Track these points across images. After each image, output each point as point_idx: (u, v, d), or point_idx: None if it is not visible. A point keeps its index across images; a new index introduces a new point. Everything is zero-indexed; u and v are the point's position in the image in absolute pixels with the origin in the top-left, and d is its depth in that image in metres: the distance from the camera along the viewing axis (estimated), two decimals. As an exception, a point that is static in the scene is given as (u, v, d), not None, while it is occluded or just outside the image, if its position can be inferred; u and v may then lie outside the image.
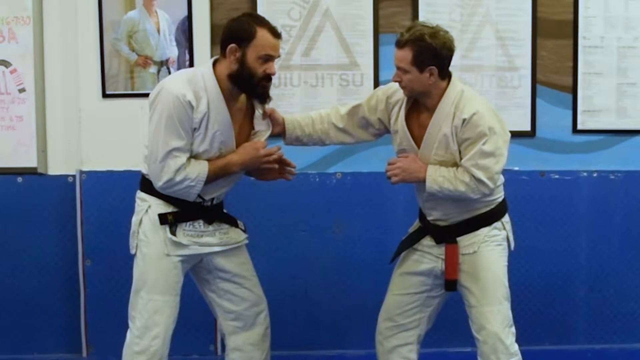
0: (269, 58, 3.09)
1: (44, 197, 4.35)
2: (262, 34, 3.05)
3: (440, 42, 3.07)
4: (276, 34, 3.09)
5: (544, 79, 4.42)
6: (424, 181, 3.16)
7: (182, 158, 3.07)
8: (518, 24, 4.38)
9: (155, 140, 3.06)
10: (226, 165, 3.16)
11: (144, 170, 3.22)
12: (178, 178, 3.07)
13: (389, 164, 3.23)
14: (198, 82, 3.08)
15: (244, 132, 3.25)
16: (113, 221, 4.23)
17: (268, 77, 3.12)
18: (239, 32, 3.07)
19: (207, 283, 3.33)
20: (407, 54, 3.08)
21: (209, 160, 3.14)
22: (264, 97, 3.18)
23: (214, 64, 3.14)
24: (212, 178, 3.14)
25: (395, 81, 3.16)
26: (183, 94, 3.03)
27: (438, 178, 3.14)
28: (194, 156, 3.13)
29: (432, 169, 3.16)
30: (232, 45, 3.05)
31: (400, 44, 3.10)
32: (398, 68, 3.12)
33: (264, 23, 3.08)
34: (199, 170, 3.10)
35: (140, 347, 3.17)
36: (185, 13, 4.27)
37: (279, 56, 3.15)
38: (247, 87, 3.11)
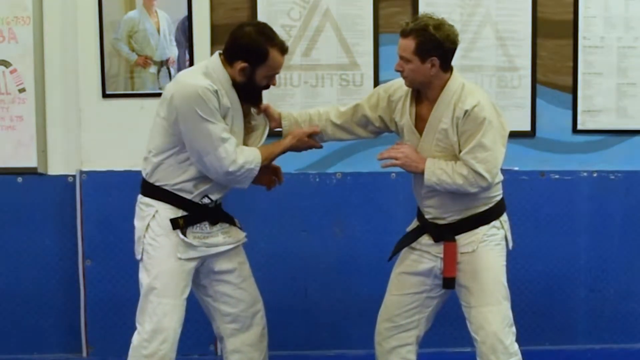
0: (275, 74, 3.18)
1: (44, 197, 4.35)
2: (273, 55, 3.10)
3: (443, 34, 3.08)
4: (284, 51, 3.14)
5: (544, 79, 4.41)
6: (422, 173, 3.17)
7: (233, 139, 3.10)
8: (518, 24, 4.37)
9: (199, 136, 3.05)
10: (275, 146, 3.28)
11: (145, 174, 3.22)
12: (240, 160, 3.10)
13: (393, 148, 3.23)
14: (213, 78, 3.09)
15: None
16: (113, 221, 4.23)
17: (267, 87, 3.21)
18: (252, 52, 3.08)
19: (203, 288, 3.33)
20: (410, 43, 3.09)
21: None
22: (258, 103, 3.27)
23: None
24: (264, 161, 3.20)
25: (397, 70, 3.18)
26: (210, 84, 3.05)
27: (437, 170, 3.14)
28: None
29: (430, 161, 3.17)
30: (244, 64, 3.08)
31: (404, 33, 3.12)
32: (401, 57, 3.14)
33: (274, 41, 3.10)
34: (253, 153, 3.16)
35: (148, 350, 3.16)
36: (185, 13, 4.27)
37: None
38: (246, 94, 3.17)
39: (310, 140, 3.36)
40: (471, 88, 3.19)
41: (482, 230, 3.24)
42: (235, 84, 3.13)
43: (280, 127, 3.38)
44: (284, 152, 3.32)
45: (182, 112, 3.05)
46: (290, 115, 3.40)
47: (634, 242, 4.47)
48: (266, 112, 3.35)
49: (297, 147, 3.35)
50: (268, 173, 3.35)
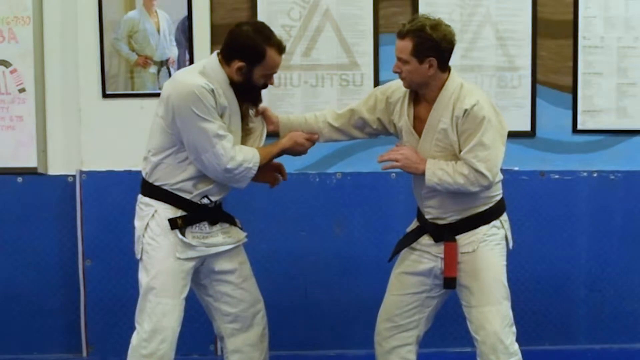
0: (272, 74, 3.17)
1: (44, 197, 4.35)
2: (270, 54, 3.10)
3: (440, 34, 3.08)
4: (282, 51, 3.14)
5: (544, 79, 4.41)
6: (422, 174, 3.17)
7: (230, 137, 3.10)
8: (518, 24, 4.37)
9: (197, 134, 3.05)
10: (273, 146, 3.28)
11: (145, 173, 3.22)
12: (239, 158, 3.10)
13: (393, 150, 3.24)
14: (210, 77, 3.09)
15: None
16: (113, 221, 4.23)
17: (265, 86, 3.20)
18: (249, 52, 3.08)
19: (203, 288, 3.33)
20: (407, 44, 3.09)
21: None
22: (257, 102, 3.26)
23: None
24: (262, 161, 3.19)
25: (395, 72, 3.18)
26: (206, 82, 3.05)
27: (437, 171, 3.14)
28: None
29: (431, 162, 3.16)
30: (241, 63, 3.08)
31: (401, 35, 3.12)
32: (398, 59, 3.14)
33: (272, 41, 3.10)
34: (252, 152, 3.16)
35: (147, 350, 3.16)
36: (185, 13, 4.27)
37: None
38: (244, 95, 3.17)
39: (307, 143, 3.36)
40: (470, 88, 3.19)
41: (483, 230, 3.24)
42: (233, 84, 3.12)
43: (278, 129, 3.39)
44: (281, 153, 3.32)
45: (179, 111, 3.05)
46: (287, 118, 3.42)
47: (634, 242, 4.47)
48: (264, 115, 3.35)
49: (293, 149, 3.34)
50: (271, 170, 3.35)
